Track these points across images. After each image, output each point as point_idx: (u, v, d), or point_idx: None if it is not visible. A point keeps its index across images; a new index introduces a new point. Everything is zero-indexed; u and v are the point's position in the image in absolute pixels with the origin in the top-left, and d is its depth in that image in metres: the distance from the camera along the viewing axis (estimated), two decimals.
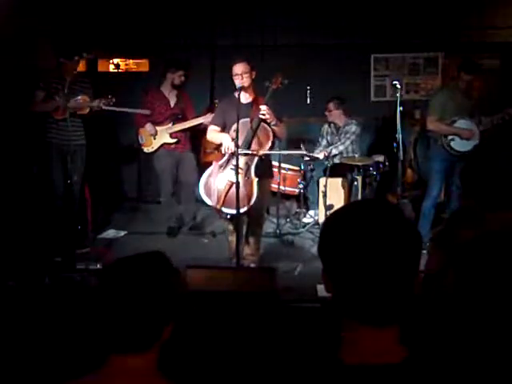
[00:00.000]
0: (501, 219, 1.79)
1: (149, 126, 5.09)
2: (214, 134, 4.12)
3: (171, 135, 5.10)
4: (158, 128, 5.12)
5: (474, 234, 1.46)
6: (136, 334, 1.22)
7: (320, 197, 5.44)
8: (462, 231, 1.68)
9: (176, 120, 5.14)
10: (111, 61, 6.55)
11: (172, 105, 5.21)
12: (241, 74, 3.89)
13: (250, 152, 3.89)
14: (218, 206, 3.90)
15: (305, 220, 5.60)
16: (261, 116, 3.85)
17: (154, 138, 5.13)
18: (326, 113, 5.80)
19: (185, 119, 5.16)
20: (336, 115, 5.77)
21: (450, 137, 4.60)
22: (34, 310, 2.71)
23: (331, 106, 5.75)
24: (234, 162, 3.92)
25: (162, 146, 5.14)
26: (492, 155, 5.45)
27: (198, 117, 5.10)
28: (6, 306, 2.74)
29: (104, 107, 4.64)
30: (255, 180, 3.91)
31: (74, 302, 2.87)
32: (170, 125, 5.11)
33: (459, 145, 4.61)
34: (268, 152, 4.05)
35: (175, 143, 5.12)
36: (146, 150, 5.22)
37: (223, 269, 3.82)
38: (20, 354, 2.38)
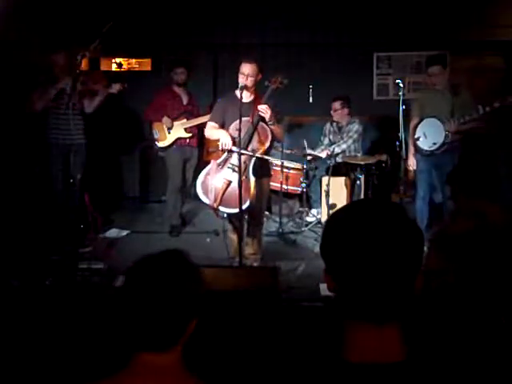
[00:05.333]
0: (472, 206, 1.79)
1: (165, 119, 5.19)
2: (212, 131, 4.11)
3: (186, 130, 5.24)
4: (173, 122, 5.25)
5: (465, 229, 1.46)
6: (162, 332, 1.24)
7: (322, 196, 5.44)
8: (455, 229, 1.69)
9: (189, 116, 5.28)
10: (114, 60, 6.56)
11: (185, 102, 5.35)
12: (247, 74, 3.89)
13: (250, 153, 3.88)
14: (215, 205, 3.89)
15: (307, 219, 5.60)
16: (260, 114, 3.85)
17: (169, 133, 5.23)
18: (332, 112, 5.78)
19: (197, 116, 5.29)
20: (341, 114, 5.76)
21: (416, 136, 4.64)
22: (37, 309, 2.71)
23: (338, 105, 5.73)
24: (231, 160, 3.93)
25: (176, 140, 5.24)
26: (474, 148, 5.40)
27: (206, 114, 5.17)
28: (8, 305, 2.75)
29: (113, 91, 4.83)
30: (252, 179, 3.90)
31: (77, 301, 2.87)
32: (184, 120, 5.25)
33: (423, 143, 4.63)
34: (269, 158, 4.07)
35: (189, 138, 5.26)
36: (160, 144, 5.28)
37: (225, 268, 3.83)
38: (32, 354, 2.38)
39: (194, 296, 1.29)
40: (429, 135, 4.60)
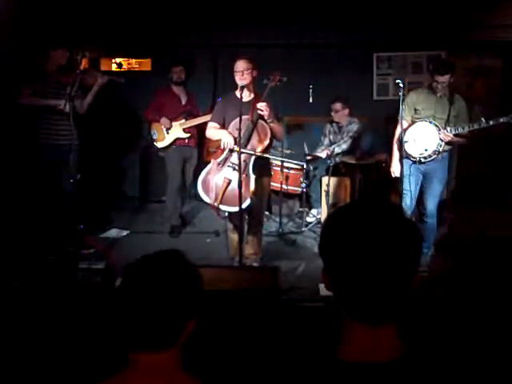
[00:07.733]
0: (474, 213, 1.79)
1: (164, 120, 5.18)
2: (213, 131, 4.13)
3: (184, 130, 5.23)
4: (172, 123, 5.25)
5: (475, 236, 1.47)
6: (158, 332, 1.24)
7: (322, 196, 5.45)
8: (463, 234, 1.69)
9: (188, 116, 5.27)
10: (114, 60, 6.56)
11: (183, 102, 5.34)
12: (241, 71, 3.90)
13: (251, 152, 3.88)
14: (216, 204, 3.90)
15: (307, 219, 5.60)
16: (259, 112, 3.85)
17: (168, 133, 5.23)
18: (333, 113, 5.81)
19: (196, 116, 5.28)
20: (342, 115, 5.80)
21: (404, 139, 4.19)
22: (37, 310, 2.72)
23: (338, 106, 5.76)
24: (231, 159, 3.94)
25: (174, 141, 5.24)
26: None
27: (206, 114, 5.16)
28: (10, 307, 2.75)
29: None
30: (253, 178, 3.91)
31: (77, 301, 2.87)
32: (183, 120, 5.24)
33: (412, 148, 4.20)
34: (269, 156, 4.07)
35: (188, 138, 5.25)
36: (159, 144, 5.28)
37: (225, 268, 3.83)
38: (32, 355, 2.39)
39: (190, 296, 1.29)
40: (419, 141, 4.18)
